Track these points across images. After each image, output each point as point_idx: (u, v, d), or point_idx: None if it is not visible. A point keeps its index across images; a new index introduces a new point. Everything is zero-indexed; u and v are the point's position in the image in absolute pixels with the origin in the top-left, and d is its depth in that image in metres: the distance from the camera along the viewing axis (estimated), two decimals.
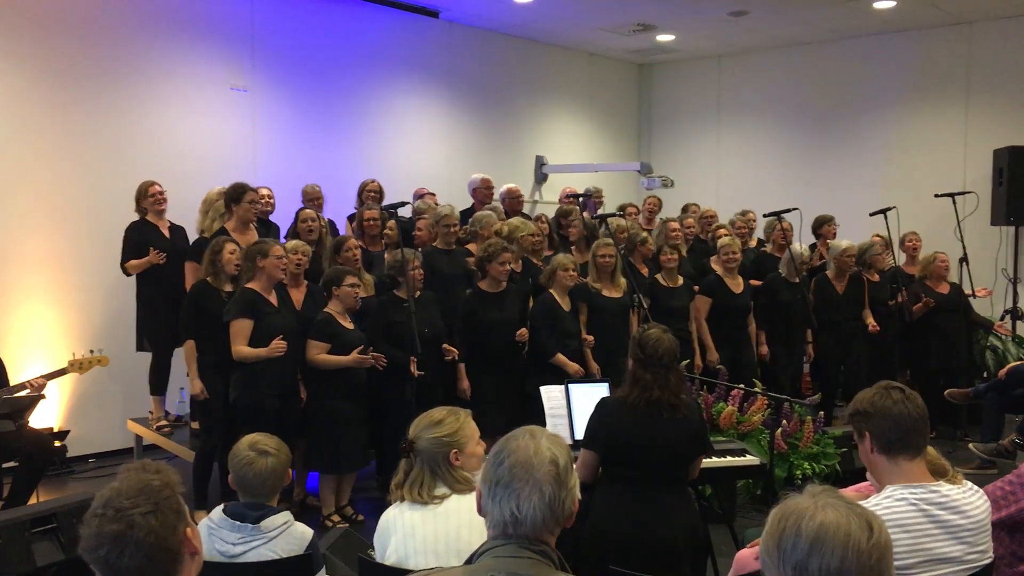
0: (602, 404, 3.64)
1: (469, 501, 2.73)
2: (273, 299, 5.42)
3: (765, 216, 7.67)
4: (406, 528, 2.79)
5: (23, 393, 5.30)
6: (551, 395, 4.53)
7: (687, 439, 3.51)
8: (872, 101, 10.41)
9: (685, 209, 8.61)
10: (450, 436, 2.87)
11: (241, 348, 5.26)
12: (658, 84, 12.12)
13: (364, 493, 6.26)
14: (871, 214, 7.61)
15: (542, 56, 10.82)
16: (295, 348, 5.40)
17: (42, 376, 5.39)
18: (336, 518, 5.56)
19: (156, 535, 1.72)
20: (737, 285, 7.07)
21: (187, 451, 6.20)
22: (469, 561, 1.89)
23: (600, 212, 7.92)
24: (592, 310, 6.26)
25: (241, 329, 5.27)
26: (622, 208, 8.25)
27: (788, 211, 7.44)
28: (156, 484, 1.78)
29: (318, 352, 5.47)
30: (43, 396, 5.44)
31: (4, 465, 5.29)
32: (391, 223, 6.57)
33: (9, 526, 4.48)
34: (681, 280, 6.84)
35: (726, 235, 7.36)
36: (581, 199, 8.05)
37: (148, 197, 6.49)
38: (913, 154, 10.16)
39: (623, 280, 6.33)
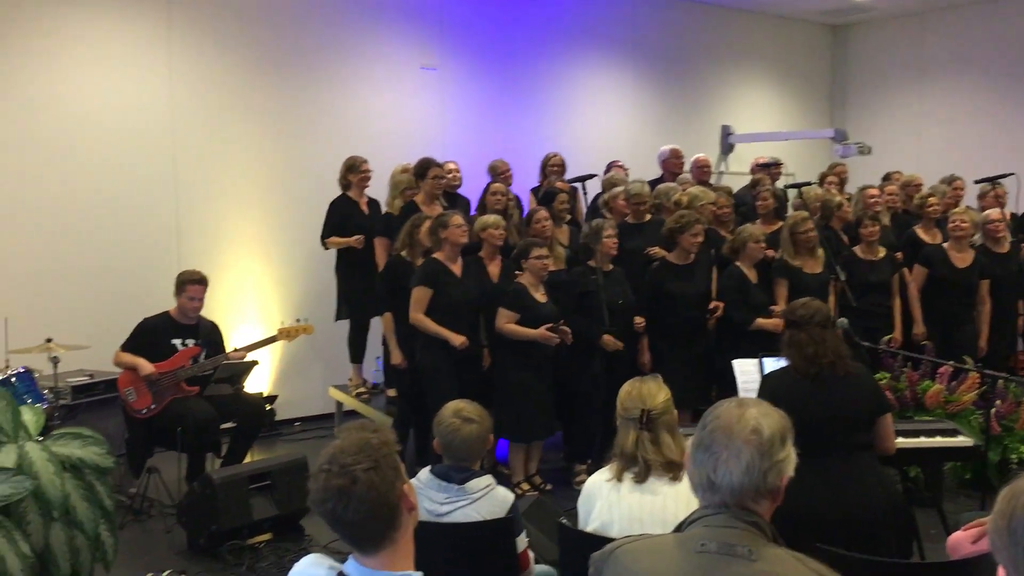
0: (764, 381, 3.69)
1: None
2: (457, 269, 5.58)
3: (977, 182, 7.15)
4: (611, 495, 2.82)
5: (249, 356, 5.70)
6: (744, 369, 4.45)
7: (857, 398, 3.46)
8: None
9: (887, 177, 8.15)
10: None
11: (418, 316, 5.47)
12: (854, 46, 11.49)
13: (551, 463, 6.35)
14: None
15: (729, 22, 10.49)
16: (475, 317, 5.59)
17: (253, 343, 5.77)
18: (525, 486, 5.67)
19: (377, 490, 1.80)
20: (963, 259, 6.52)
21: (383, 417, 6.49)
22: (679, 529, 1.88)
23: (781, 184, 7.66)
24: (793, 287, 6.05)
25: (421, 296, 5.48)
26: (822, 178, 7.90)
27: (1004, 176, 6.91)
28: (375, 442, 1.87)
29: (506, 321, 5.58)
30: (256, 362, 5.83)
31: (223, 426, 5.69)
32: (563, 198, 6.58)
33: (230, 482, 4.86)
34: (883, 252, 6.44)
35: (934, 203, 6.91)
36: (771, 168, 7.79)
37: (359, 172, 6.78)
38: None
39: (821, 252, 6.07)
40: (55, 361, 5.32)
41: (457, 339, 5.41)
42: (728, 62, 10.54)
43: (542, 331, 5.50)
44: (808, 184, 6.86)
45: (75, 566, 3.12)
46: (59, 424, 4.87)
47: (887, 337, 5.88)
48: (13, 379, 5.06)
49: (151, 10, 7.00)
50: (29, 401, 4.85)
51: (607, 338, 5.58)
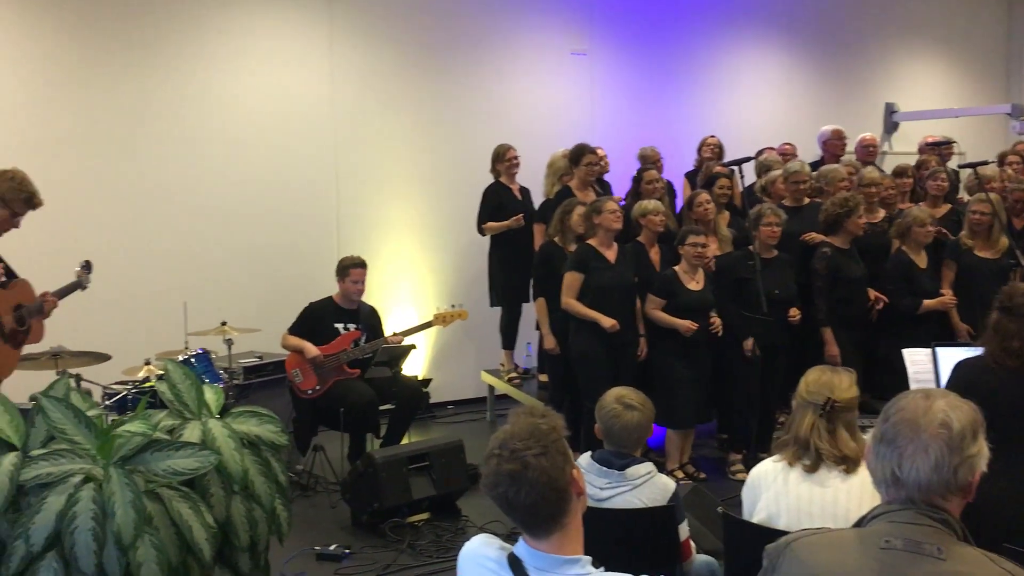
0: (957, 368, 3.46)
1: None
2: (610, 255, 5.54)
3: None
4: (778, 485, 2.74)
5: (406, 341, 5.87)
6: (915, 359, 4.23)
7: None
8: None
9: None
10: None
11: (570, 301, 5.47)
12: None
13: (705, 451, 6.27)
14: None
15: None
16: (630, 304, 5.54)
17: (410, 328, 5.92)
18: (679, 474, 5.60)
19: (547, 475, 1.82)
20: None
21: (535, 401, 6.53)
22: (859, 524, 1.81)
23: (953, 163, 7.24)
24: (961, 269, 5.73)
25: (572, 281, 5.48)
26: (1002, 156, 7.42)
27: None
28: (544, 428, 1.88)
29: (653, 307, 5.55)
30: (414, 346, 5.97)
31: (382, 407, 5.87)
32: (724, 182, 6.44)
33: (391, 462, 5.02)
34: None
35: None
36: (940, 147, 7.37)
37: (505, 160, 6.87)
38: None
39: (1004, 240, 5.72)
40: (229, 343, 5.61)
41: (607, 321, 5.37)
42: (892, 36, 10.02)
43: (684, 323, 5.42)
44: (984, 163, 6.45)
45: (253, 537, 3.27)
46: (233, 403, 5.14)
47: None
48: (193, 360, 5.37)
49: (313, 8, 7.28)
50: (207, 381, 5.14)
51: (747, 344, 5.46)
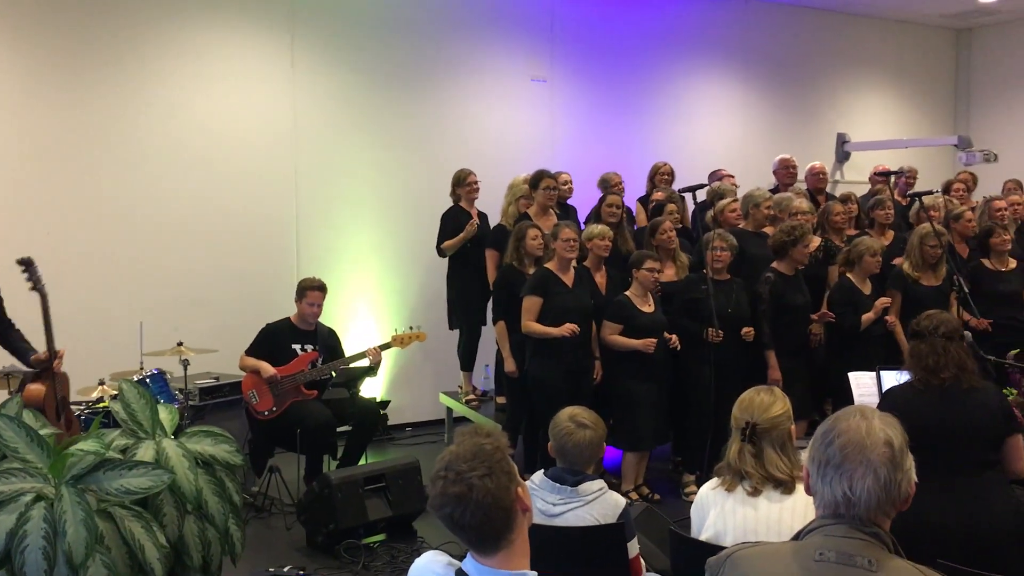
0: (886, 395, 3.66)
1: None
2: (568, 279, 5.62)
3: None
4: (726, 505, 2.80)
5: (363, 363, 5.86)
6: (861, 382, 4.36)
7: (981, 415, 3.35)
8: None
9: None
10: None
11: (529, 323, 5.54)
12: (979, 50, 11.04)
13: (660, 473, 6.33)
14: None
15: (846, 27, 10.23)
16: (587, 327, 5.60)
17: (373, 348, 5.92)
18: (634, 495, 5.66)
19: (492, 496, 1.86)
20: None
21: (493, 424, 6.57)
22: (796, 538, 1.88)
23: (911, 192, 7.43)
24: (907, 298, 5.91)
25: (531, 305, 5.55)
26: (947, 186, 7.65)
27: None
28: (488, 448, 1.92)
29: (610, 332, 5.62)
30: (372, 368, 5.98)
31: (339, 429, 5.87)
32: (672, 207, 6.57)
33: (347, 483, 5.03)
34: (1014, 263, 6.19)
35: None
36: (892, 177, 7.57)
37: (465, 185, 6.93)
38: None
39: (943, 267, 5.91)
40: (185, 364, 5.58)
41: (565, 328, 5.41)
42: (844, 68, 10.28)
43: (644, 341, 5.51)
44: (929, 193, 6.65)
45: (205, 558, 3.28)
46: (188, 424, 5.12)
47: (1014, 351, 5.63)
48: (148, 380, 5.34)
49: (276, 29, 7.31)
50: (162, 401, 5.11)
51: (710, 330, 5.54)
